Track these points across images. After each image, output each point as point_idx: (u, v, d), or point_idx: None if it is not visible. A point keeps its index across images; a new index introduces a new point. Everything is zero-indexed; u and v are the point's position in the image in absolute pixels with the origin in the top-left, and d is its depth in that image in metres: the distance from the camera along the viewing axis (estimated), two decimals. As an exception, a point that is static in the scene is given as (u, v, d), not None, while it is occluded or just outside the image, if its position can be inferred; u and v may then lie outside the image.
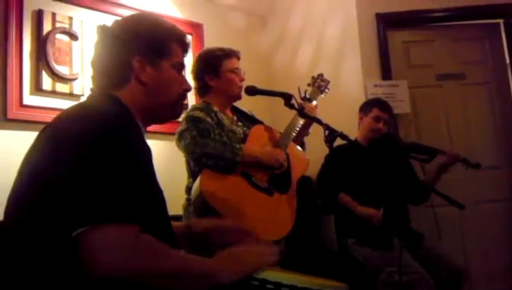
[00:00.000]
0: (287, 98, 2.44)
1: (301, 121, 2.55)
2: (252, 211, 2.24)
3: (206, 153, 2.24)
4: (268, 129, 2.59)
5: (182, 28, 3.56)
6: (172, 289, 1.16)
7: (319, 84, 2.72)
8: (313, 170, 3.21)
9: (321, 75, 2.77)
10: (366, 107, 3.25)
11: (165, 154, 3.00)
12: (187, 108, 2.77)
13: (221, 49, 2.62)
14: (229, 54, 2.60)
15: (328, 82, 2.75)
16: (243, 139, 2.47)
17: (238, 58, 2.64)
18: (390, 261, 2.69)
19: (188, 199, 2.46)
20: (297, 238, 2.39)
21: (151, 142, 1.35)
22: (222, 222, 1.68)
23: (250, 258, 1.27)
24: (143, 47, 1.40)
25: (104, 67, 1.41)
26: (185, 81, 1.50)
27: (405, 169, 2.98)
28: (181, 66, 1.49)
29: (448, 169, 3.16)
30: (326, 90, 2.77)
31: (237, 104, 2.72)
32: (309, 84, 2.75)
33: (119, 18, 1.49)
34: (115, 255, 1.06)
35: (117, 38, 1.40)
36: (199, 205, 2.25)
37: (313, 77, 2.74)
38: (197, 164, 2.34)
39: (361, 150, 3.17)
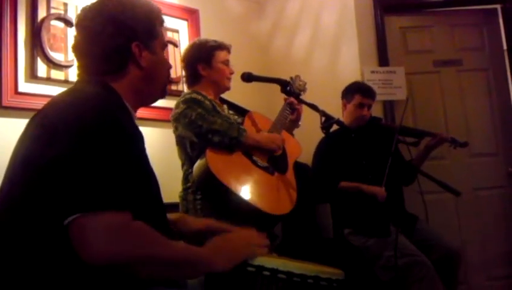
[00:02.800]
0: (283, 84, 2.46)
1: (288, 108, 2.57)
2: (257, 186, 2.28)
3: (212, 128, 2.27)
4: (261, 116, 2.64)
5: (178, 13, 3.58)
6: (165, 276, 1.16)
7: (299, 83, 2.70)
8: (310, 157, 3.21)
9: (298, 76, 2.73)
10: (348, 93, 3.21)
11: (160, 141, 3.00)
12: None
13: (215, 41, 2.65)
14: (222, 46, 2.64)
15: (305, 83, 2.72)
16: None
17: (229, 51, 2.67)
18: (388, 247, 2.70)
19: (184, 189, 2.47)
20: (294, 225, 2.40)
21: (145, 129, 1.34)
22: (210, 225, 1.63)
23: (241, 245, 1.27)
24: (140, 31, 1.39)
25: (98, 52, 1.36)
26: (167, 59, 1.54)
27: (393, 151, 2.98)
28: (165, 46, 1.52)
29: (435, 149, 3.17)
30: (305, 90, 2.73)
31: (234, 91, 2.73)
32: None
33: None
34: (107, 242, 1.06)
35: (115, 22, 1.36)
36: (204, 181, 2.26)
37: (291, 78, 2.69)
38: (201, 139, 2.33)
39: (349, 138, 3.14)
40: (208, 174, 2.22)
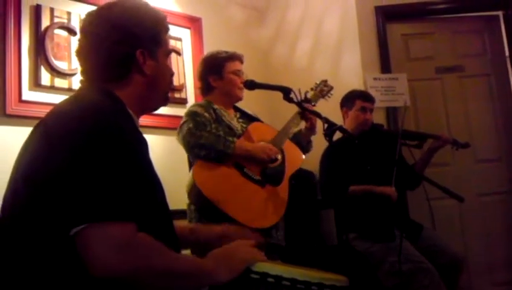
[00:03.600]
0: (286, 92, 2.46)
1: (298, 119, 2.60)
2: (242, 199, 2.29)
3: (199, 143, 2.30)
4: (266, 127, 2.66)
5: (181, 22, 3.60)
6: (169, 289, 1.16)
7: (322, 88, 2.72)
8: (315, 165, 3.21)
9: (325, 81, 2.77)
10: (348, 101, 3.24)
11: (166, 149, 3.00)
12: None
13: (226, 52, 2.69)
14: (233, 57, 2.67)
15: (332, 88, 2.75)
16: (241, 135, 2.51)
17: (242, 61, 2.70)
18: (392, 252, 2.70)
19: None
20: (297, 232, 2.40)
21: (149, 137, 1.34)
22: (226, 230, 1.63)
23: (243, 254, 1.27)
24: (145, 39, 1.38)
25: (102, 59, 1.35)
26: (170, 67, 1.53)
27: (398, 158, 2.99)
28: (169, 53, 1.51)
29: (437, 151, 3.18)
30: (329, 95, 2.76)
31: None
32: (312, 89, 2.79)
33: (109, 3, 1.42)
34: (113, 254, 1.05)
35: (120, 29, 1.34)
36: (193, 194, 2.29)
37: (316, 83, 2.74)
38: (191, 154, 2.40)
39: (353, 144, 3.15)
40: (195, 189, 2.25)
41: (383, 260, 2.78)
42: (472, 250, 3.56)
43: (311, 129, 2.67)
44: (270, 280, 1.22)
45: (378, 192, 2.88)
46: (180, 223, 1.54)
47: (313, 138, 2.77)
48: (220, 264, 1.22)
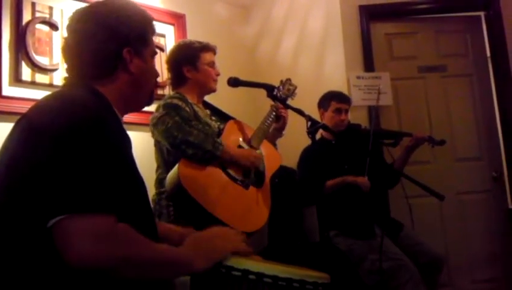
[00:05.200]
0: (269, 89, 2.46)
1: (272, 116, 2.55)
2: (229, 202, 2.22)
3: (187, 140, 2.19)
4: (242, 125, 2.57)
5: (164, 18, 3.57)
6: (148, 278, 1.16)
7: (288, 88, 2.68)
8: (296, 161, 3.22)
9: (289, 79, 2.70)
10: (324, 102, 3.29)
11: (145, 146, 2.97)
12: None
13: (200, 42, 2.62)
14: (207, 48, 2.60)
15: (296, 87, 2.71)
16: (218, 134, 2.43)
17: (215, 52, 2.64)
18: (373, 250, 2.72)
19: (158, 193, 2.42)
20: (280, 229, 2.39)
21: (131, 134, 1.34)
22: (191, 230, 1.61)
23: (221, 242, 1.28)
24: (132, 38, 1.38)
25: (88, 56, 1.35)
26: (155, 68, 1.53)
27: (374, 155, 3.03)
28: (155, 54, 1.51)
29: (415, 150, 3.22)
30: (294, 95, 2.72)
31: (220, 96, 2.72)
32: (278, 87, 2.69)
33: (98, 1, 1.43)
34: (90, 244, 1.05)
35: (108, 27, 1.35)
36: (176, 193, 2.17)
37: (281, 81, 2.66)
38: (175, 150, 2.26)
39: (330, 145, 3.19)
40: (179, 188, 2.13)
41: (363, 257, 2.80)
42: (452, 248, 3.60)
43: (280, 130, 2.61)
44: (251, 277, 1.22)
45: (350, 181, 2.93)
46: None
47: (295, 135, 2.76)
48: (198, 253, 1.24)
